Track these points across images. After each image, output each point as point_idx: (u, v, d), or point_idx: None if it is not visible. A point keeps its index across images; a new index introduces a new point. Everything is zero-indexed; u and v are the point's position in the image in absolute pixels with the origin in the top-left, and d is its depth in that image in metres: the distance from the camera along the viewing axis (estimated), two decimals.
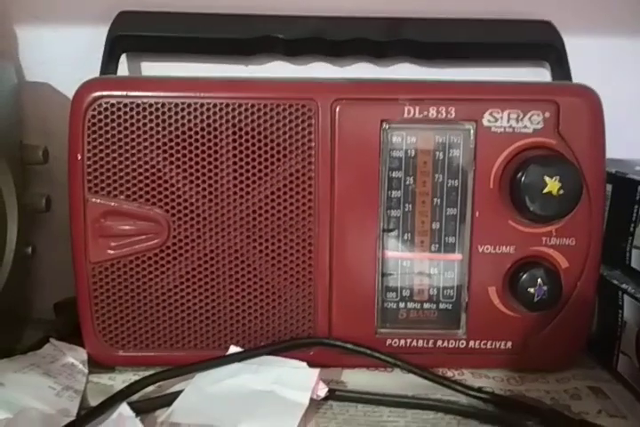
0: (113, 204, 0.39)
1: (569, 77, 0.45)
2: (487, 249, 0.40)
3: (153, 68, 0.49)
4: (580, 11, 0.49)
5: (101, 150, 0.39)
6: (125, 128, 0.39)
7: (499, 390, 0.39)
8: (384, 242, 0.40)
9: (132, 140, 0.39)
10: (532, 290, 0.38)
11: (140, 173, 0.39)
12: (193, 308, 0.40)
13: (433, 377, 0.38)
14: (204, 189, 0.39)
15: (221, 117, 0.39)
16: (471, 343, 0.41)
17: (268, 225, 0.40)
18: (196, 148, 0.39)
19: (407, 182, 0.40)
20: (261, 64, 0.49)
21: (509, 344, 0.41)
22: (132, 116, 0.39)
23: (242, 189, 0.39)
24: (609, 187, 0.42)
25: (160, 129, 0.39)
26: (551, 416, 0.35)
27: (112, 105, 0.39)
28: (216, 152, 0.39)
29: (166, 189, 0.39)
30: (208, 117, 0.39)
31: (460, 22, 0.46)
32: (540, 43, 0.46)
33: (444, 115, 0.39)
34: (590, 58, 0.48)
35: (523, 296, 0.39)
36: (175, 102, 0.39)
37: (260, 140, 0.39)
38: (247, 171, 0.39)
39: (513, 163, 0.39)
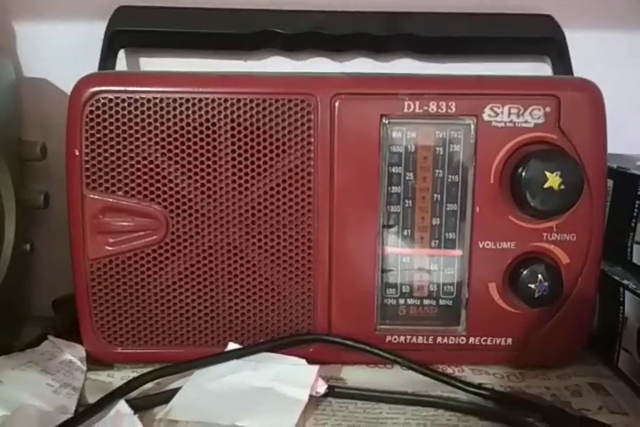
0: (111, 200, 0.39)
1: (570, 72, 0.45)
2: (487, 245, 0.39)
3: (151, 63, 0.49)
4: (582, 5, 0.49)
5: (99, 146, 0.38)
6: (123, 123, 0.38)
7: (499, 386, 0.39)
8: (384, 238, 0.40)
9: (130, 135, 0.38)
10: (532, 286, 0.38)
11: (139, 169, 0.39)
12: (191, 304, 0.40)
13: (433, 374, 0.38)
14: (203, 185, 0.39)
15: (220, 113, 0.38)
16: (471, 340, 0.40)
17: (267, 221, 0.39)
18: (195, 143, 0.39)
19: (407, 178, 0.40)
20: (260, 59, 0.49)
21: (510, 341, 0.40)
22: (129, 112, 0.38)
23: (241, 185, 0.39)
24: (610, 182, 0.42)
25: (158, 124, 0.38)
26: (551, 413, 0.35)
27: (110, 100, 0.38)
28: (215, 148, 0.39)
29: (164, 184, 0.39)
30: (206, 113, 0.38)
31: (461, 16, 0.46)
32: (541, 37, 0.46)
33: (445, 110, 0.39)
34: (592, 52, 0.48)
35: (523, 292, 0.38)
36: (173, 97, 0.38)
37: (258, 136, 0.39)
38: (246, 166, 0.39)
39: (514, 158, 0.38)
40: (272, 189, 0.39)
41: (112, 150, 0.38)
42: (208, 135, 0.38)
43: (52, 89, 0.48)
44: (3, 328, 0.43)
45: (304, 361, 0.38)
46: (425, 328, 0.41)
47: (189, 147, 0.39)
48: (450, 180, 0.40)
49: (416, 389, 0.38)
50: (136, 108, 0.38)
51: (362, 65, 0.48)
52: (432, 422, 0.35)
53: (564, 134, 0.39)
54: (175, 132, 0.38)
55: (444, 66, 0.49)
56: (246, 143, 0.39)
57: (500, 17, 0.46)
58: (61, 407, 0.35)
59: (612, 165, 0.42)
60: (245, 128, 0.38)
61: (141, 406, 0.35)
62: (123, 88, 0.38)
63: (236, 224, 0.39)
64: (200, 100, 0.38)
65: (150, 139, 0.38)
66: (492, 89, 0.39)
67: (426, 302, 0.41)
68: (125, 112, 0.38)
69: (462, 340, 0.41)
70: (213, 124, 0.38)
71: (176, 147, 0.39)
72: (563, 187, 0.37)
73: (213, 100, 0.38)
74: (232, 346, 0.40)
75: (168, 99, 0.38)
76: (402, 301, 0.41)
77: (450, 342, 0.41)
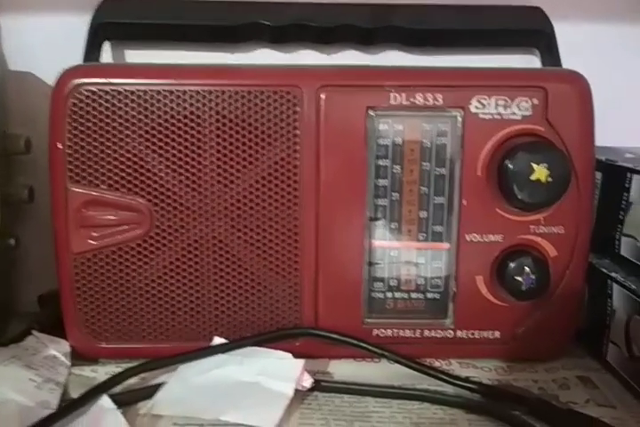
0: (94, 193, 0.38)
1: (559, 64, 0.45)
2: (475, 238, 0.39)
3: (137, 56, 0.48)
4: None
5: (82, 139, 0.38)
6: (107, 116, 0.38)
7: (486, 380, 0.39)
8: (371, 231, 0.40)
9: (114, 128, 0.38)
10: (519, 279, 0.38)
11: (122, 162, 0.38)
12: (177, 299, 0.40)
13: (420, 367, 0.38)
14: (187, 178, 0.39)
15: (204, 105, 0.38)
16: (459, 333, 0.40)
17: (253, 214, 0.39)
18: (179, 136, 0.38)
19: (394, 171, 0.39)
20: (247, 52, 0.48)
21: (497, 334, 0.40)
22: (113, 104, 0.38)
23: (226, 178, 0.39)
24: (599, 175, 0.42)
25: (142, 117, 0.38)
26: (538, 406, 0.35)
27: (93, 93, 0.38)
28: (199, 140, 0.38)
29: (149, 178, 0.38)
30: (191, 105, 0.38)
31: (449, 9, 0.46)
32: (529, 29, 0.46)
33: (431, 101, 0.38)
34: (581, 45, 0.47)
35: (510, 285, 0.38)
36: (157, 90, 0.38)
37: (243, 128, 0.38)
38: (231, 159, 0.38)
39: (501, 150, 0.38)
40: (257, 182, 0.39)
41: (95, 143, 0.38)
42: (192, 128, 0.38)
43: (37, 82, 0.48)
44: None
45: (290, 355, 0.38)
46: (412, 322, 0.41)
47: (173, 139, 0.38)
48: (437, 172, 0.39)
49: (403, 382, 0.38)
50: (119, 101, 0.38)
51: (349, 57, 0.48)
52: (418, 415, 0.35)
53: (552, 126, 0.38)
54: (159, 124, 0.38)
55: (432, 58, 0.48)
56: (231, 136, 0.38)
57: (489, 9, 0.46)
58: (44, 402, 0.34)
59: (600, 157, 0.42)
60: (230, 120, 0.38)
61: (125, 401, 0.35)
62: (106, 80, 0.38)
63: (222, 218, 0.39)
64: (184, 93, 0.38)
65: (134, 131, 0.38)
66: (478, 81, 0.39)
67: (413, 295, 0.41)
68: (109, 104, 0.38)
69: (450, 333, 0.40)
70: (198, 117, 0.38)
71: (160, 139, 0.38)
72: (550, 179, 0.37)
73: (197, 93, 0.38)
74: (218, 340, 0.39)
75: (152, 91, 0.38)
76: (389, 294, 0.41)
77: (437, 336, 0.40)
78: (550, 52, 0.45)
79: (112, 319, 0.40)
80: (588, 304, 0.42)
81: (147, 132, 0.38)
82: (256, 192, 0.39)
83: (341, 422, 0.34)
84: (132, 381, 0.37)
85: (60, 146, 0.38)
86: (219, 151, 0.38)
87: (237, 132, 0.38)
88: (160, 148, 0.38)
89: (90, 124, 0.38)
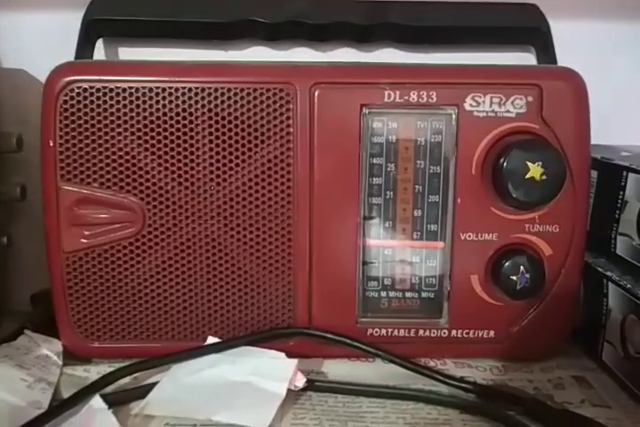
0: (86, 191, 0.38)
1: (554, 62, 0.44)
2: (469, 237, 0.39)
3: (131, 53, 0.48)
4: None
5: (74, 136, 0.38)
6: (98, 113, 0.38)
7: (481, 379, 0.38)
8: (365, 230, 0.40)
9: (106, 125, 0.38)
10: (514, 278, 0.38)
11: (114, 160, 0.38)
12: (169, 298, 0.39)
13: (414, 367, 0.38)
14: (180, 177, 0.38)
15: (197, 102, 0.38)
16: (453, 332, 0.40)
17: (246, 213, 0.39)
18: (172, 133, 0.38)
19: (388, 169, 0.39)
20: (241, 49, 0.48)
21: (492, 333, 0.40)
22: (105, 102, 0.38)
23: (218, 176, 0.38)
24: (594, 173, 0.42)
25: (134, 114, 0.38)
26: (533, 406, 0.35)
27: (85, 90, 0.37)
28: (192, 138, 0.38)
29: (141, 176, 0.38)
30: (183, 102, 0.38)
31: (445, 6, 0.45)
32: (525, 27, 0.45)
33: (426, 99, 0.38)
34: (576, 42, 0.47)
35: (505, 284, 0.38)
36: (150, 87, 0.38)
37: (236, 126, 0.38)
38: (224, 157, 0.38)
39: (495, 148, 0.38)
40: (251, 180, 0.38)
41: (87, 141, 0.38)
42: (185, 125, 0.38)
43: (29, 80, 0.47)
44: None
45: (283, 355, 0.38)
46: (407, 321, 0.40)
47: (166, 137, 0.38)
48: (431, 171, 0.39)
49: (397, 382, 0.38)
50: (111, 98, 0.38)
51: (345, 55, 0.48)
52: (412, 415, 0.35)
53: (547, 124, 0.38)
54: (151, 122, 0.38)
55: (428, 56, 0.48)
56: (224, 133, 0.38)
57: (485, 6, 0.46)
58: (35, 402, 0.34)
59: (596, 155, 0.42)
60: (223, 118, 0.38)
61: (117, 401, 0.35)
62: (97, 77, 0.38)
63: (215, 216, 0.39)
64: (177, 90, 0.38)
65: (126, 129, 0.38)
66: (473, 78, 0.38)
67: (408, 294, 0.40)
68: (100, 102, 0.38)
69: (444, 333, 0.40)
70: (190, 114, 0.38)
71: (152, 137, 0.38)
72: (544, 177, 0.36)
73: (190, 90, 0.38)
74: (211, 340, 0.39)
75: (144, 88, 0.38)
76: (383, 293, 0.40)
77: (432, 335, 0.40)
78: (546, 49, 0.45)
79: (104, 319, 0.39)
80: (584, 303, 0.42)
81: (139, 129, 0.38)
82: (249, 190, 0.38)
83: (335, 422, 0.34)
84: (125, 380, 0.37)
85: (51, 144, 0.38)
86: (211, 149, 0.38)
87: (230, 130, 0.38)
88: (152, 146, 0.38)
89: (81, 122, 0.38)
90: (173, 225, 0.39)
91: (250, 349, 0.39)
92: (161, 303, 0.39)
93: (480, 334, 0.40)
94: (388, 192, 0.39)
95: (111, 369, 0.38)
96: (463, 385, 0.36)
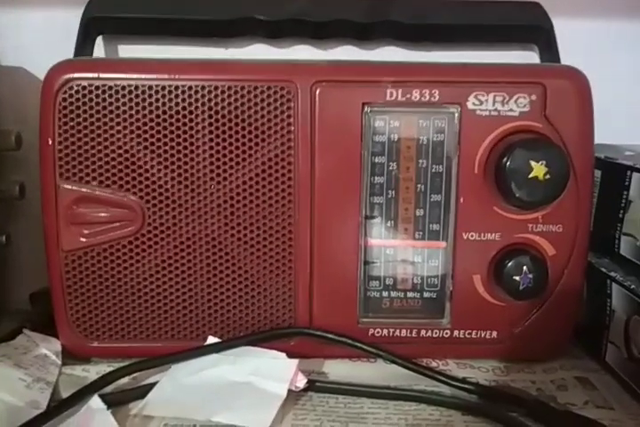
0: (85, 190, 0.38)
1: (558, 60, 0.44)
2: (472, 236, 0.39)
3: (130, 51, 0.48)
4: None
5: (73, 135, 0.37)
6: (98, 111, 0.37)
7: (483, 380, 0.38)
8: (366, 229, 0.39)
9: (105, 123, 0.37)
10: (517, 278, 0.37)
11: (114, 159, 0.38)
12: (169, 297, 0.39)
13: (416, 368, 0.37)
14: (180, 175, 0.38)
15: (197, 100, 0.37)
16: (456, 333, 0.40)
17: (247, 212, 0.38)
18: (171, 132, 0.38)
19: (390, 168, 0.39)
20: (242, 47, 0.47)
21: (495, 334, 0.40)
22: (104, 99, 0.37)
23: (219, 175, 0.38)
24: (598, 173, 0.41)
25: (134, 112, 0.37)
26: (536, 407, 0.34)
27: (84, 87, 0.37)
28: (192, 136, 0.38)
29: (140, 174, 0.38)
30: (183, 100, 0.37)
31: (447, 3, 0.45)
32: (528, 25, 0.45)
33: (428, 98, 0.38)
34: (580, 41, 0.47)
35: (508, 284, 0.38)
36: (149, 85, 0.37)
37: (237, 124, 0.38)
38: (224, 156, 0.38)
39: (498, 147, 0.38)
40: (251, 178, 0.38)
41: (86, 139, 0.37)
42: (185, 123, 0.37)
43: (28, 77, 0.47)
44: None
45: (284, 355, 0.37)
46: (409, 321, 0.40)
47: (166, 135, 0.38)
48: (434, 170, 0.39)
49: (399, 383, 0.37)
50: (110, 96, 0.37)
51: (345, 53, 0.47)
52: (414, 416, 0.34)
53: (550, 123, 0.38)
54: (151, 120, 0.37)
55: (429, 54, 0.48)
56: (224, 132, 0.38)
57: (487, 4, 0.45)
58: (33, 402, 0.34)
59: (599, 154, 0.41)
60: (223, 116, 0.37)
61: (116, 402, 0.35)
62: (97, 75, 0.37)
63: (215, 215, 0.38)
64: (177, 88, 0.37)
65: (125, 127, 0.37)
66: (476, 77, 0.38)
67: (410, 294, 0.40)
68: (100, 100, 0.37)
69: (446, 333, 0.40)
70: (190, 113, 0.37)
71: (152, 135, 0.37)
72: (548, 177, 0.36)
73: (190, 88, 0.37)
74: (211, 340, 0.39)
75: (144, 86, 0.37)
76: (385, 293, 0.40)
77: (434, 336, 0.40)
78: (549, 48, 0.45)
79: (104, 318, 0.39)
80: (587, 304, 0.42)
81: (138, 127, 0.37)
82: (250, 189, 0.38)
83: (336, 423, 0.34)
84: (124, 380, 0.37)
85: (50, 142, 0.37)
86: (212, 148, 0.38)
87: (231, 129, 0.38)
88: (152, 144, 0.38)
89: (80, 120, 0.37)
90: (173, 224, 0.38)
91: (250, 349, 0.38)
92: (160, 303, 0.39)
93: (482, 335, 0.40)
94: (389, 191, 0.39)
95: (110, 369, 0.37)
96: (465, 386, 0.36)
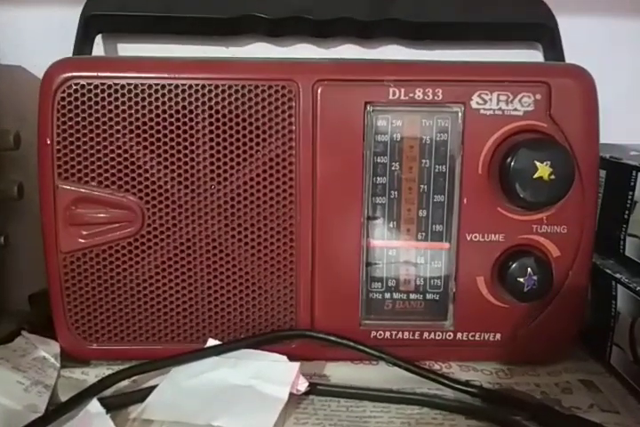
0: (84, 190, 0.37)
1: (562, 59, 0.43)
2: (475, 237, 0.38)
3: (130, 49, 0.47)
4: None
5: (72, 134, 0.37)
6: (97, 111, 0.37)
7: (487, 383, 0.38)
8: (369, 230, 0.39)
9: (104, 123, 0.37)
10: (521, 280, 0.37)
11: (113, 159, 0.37)
12: (169, 299, 0.39)
13: (418, 370, 0.37)
14: (180, 175, 0.37)
15: (197, 100, 0.37)
16: (459, 335, 0.39)
17: (248, 213, 0.38)
18: (171, 131, 0.37)
19: (393, 168, 0.38)
20: (243, 45, 0.47)
21: (498, 336, 0.39)
22: (103, 98, 0.37)
23: (219, 175, 0.37)
24: (603, 173, 0.41)
25: (133, 112, 0.37)
26: (541, 411, 0.34)
27: (82, 86, 0.37)
28: (192, 136, 0.37)
29: (140, 174, 0.37)
30: (183, 100, 0.37)
31: (450, 1, 0.44)
32: (532, 23, 0.44)
33: (431, 97, 0.37)
34: (584, 39, 0.46)
35: (512, 286, 0.37)
36: (149, 84, 0.37)
37: (238, 124, 0.37)
38: (225, 156, 0.37)
39: (502, 147, 0.37)
40: (252, 179, 0.38)
41: (85, 139, 0.37)
42: (185, 123, 0.37)
43: (26, 76, 0.47)
44: None
45: (285, 358, 0.37)
46: (411, 323, 0.39)
47: (166, 135, 0.37)
48: (437, 170, 0.38)
49: (402, 386, 0.37)
50: (110, 95, 0.37)
51: (348, 51, 0.47)
52: (417, 420, 0.34)
53: (555, 123, 0.37)
54: (151, 119, 0.37)
55: (432, 53, 0.47)
56: (225, 131, 0.37)
57: (491, 2, 0.45)
58: (31, 406, 0.34)
59: (604, 154, 0.41)
60: (224, 116, 0.37)
61: (115, 405, 0.34)
62: (96, 74, 0.37)
63: (215, 216, 0.38)
64: (176, 87, 0.37)
65: (125, 127, 0.37)
66: (480, 75, 0.38)
67: (412, 296, 0.40)
68: (99, 99, 0.37)
69: (449, 335, 0.39)
70: (190, 112, 0.37)
71: (152, 135, 0.37)
72: (553, 177, 0.36)
73: (190, 87, 0.37)
74: (211, 342, 0.38)
75: (143, 85, 0.37)
76: (387, 295, 0.40)
77: (437, 338, 0.39)
78: (553, 46, 0.44)
79: (103, 320, 0.39)
80: (592, 306, 0.41)
81: (138, 127, 0.37)
82: (251, 190, 0.38)
83: None
84: (123, 384, 0.36)
85: (48, 142, 0.37)
86: (212, 147, 0.37)
87: (231, 128, 0.37)
88: (152, 144, 0.37)
89: (79, 120, 0.37)
90: (173, 225, 0.38)
91: (251, 351, 0.38)
92: (160, 305, 0.39)
93: (486, 337, 0.39)
94: (392, 192, 0.38)
95: (110, 372, 0.37)
96: (469, 389, 0.35)
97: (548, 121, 0.37)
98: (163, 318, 0.39)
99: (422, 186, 0.38)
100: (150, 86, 0.37)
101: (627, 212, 0.39)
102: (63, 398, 0.35)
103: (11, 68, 0.47)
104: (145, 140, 0.37)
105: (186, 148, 0.37)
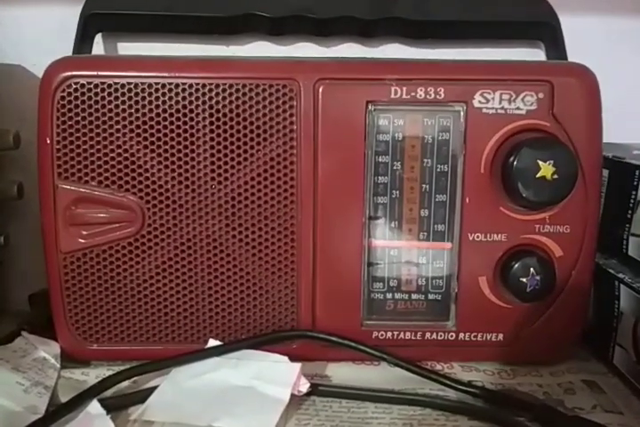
0: (84, 190, 0.37)
1: (565, 58, 0.43)
2: (478, 237, 0.38)
3: (130, 48, 0.47)
4: None
5: (71, 134, 0.37)
6: (97, 110, 0.37)
7: (489, 384, 0.37)
8: (370, 230, 0.39)
9: (104, 122, 0.37)
10: (524, 280, 0.37)
11: (113, 158, 0.37)
12: (170, 299, 0.38)
13: (420, 371, 0.37)
14: (180, 175, 0.37)
15: (198, 99, 0.37)
16: (461, 335, 0.39)
17: (248, 213, 0.38)
18: (172, 131, 0.37)
19: (394, 167, 0.38)
20: (243, 44, 0.47)
21: (501, 336, 0.39)
22: (103, 98, 0.37)
23: (220, 175, 0.37)
24: (605, 172, 0.41)
25: (133, 111, 0.37)
26: (543, 412, 0.34)
27: (82, 86, 0.36)
28: (192, 135, 0.37)
29: (140, 174, 0.37)
30: (184, 99, 0.37)
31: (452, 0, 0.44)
32: (534, 21, 0.44)
33: (433, 96, 0.37)
34: (587, 38, 0.46)
35: (515, 286, 0.37)
36: (149, 83, 0.37)
37: (238, 123, 0.37)
38: (225, 155, 0.37)
39: (505, 146, 0.37)
40: (253, 178, 0.37)
41: (85, 138, 0.37)
42: (185, 122, 0.37)
43: (26, 75, 0.46)
44: None
45: (286, 358, 0.37)
46: (413, 324, 0.39)
47: (166, 135, 0.37)
48: (439, 169, 0.38)
49: (403, 387, 0.37)
50: (110, 94, 0.37)
51: (349, 50, 0.47)
52: (419, 421, 0.34)
53: (558, 122, 0.37)
54: (151, 119, 0.37)
55: (434, 51, 0.47)
56: (226, 131, 0.37)
57: (492, 0, 0.45)
58: (31, 407, 0.33)
59: (607, 154, 0.40)
60: (225, 115, 0.37)
61: (116, 406, 0.34)
62: (95, 73, 0.36)
63: (216, 216, 0.38)
64: (177, 86, 0.37)
65: (125, 126, 0.37)
66: (482, 74, 0.37)
67: (414, 296, 0.39)
68: (99, 98, 0.37)
69: (452, 335, 0.39)
70: (191, 111, 0.37)
71: (152, 135, 0.37)
72: (556, 176, 0.35)
73: (191, 86, 0.37)
74: (212, 343, 0.38)
75: (143, 84, 0.36)
76: (389, 295, 0.39)
77: (439, 338, 0.39)
78: (556, 44, 0.44)
79: (103, 320, 0.39)
80: (594, 306, 0.41)
81: (138, 126, 0.37)
82: (251, 189, 0.37)
83: None
84: (124, 384, 0.36)
85: (48, 141, 0.37)
86: (213, 147, 0.37)
87: (232, 128, 0.37)
88: (152, 143, 0.37)
89: (79, 119, 0.37)
90: (173, 225, 0.38)
91: (252, 352, 0.38)
92: (161, 305, 0.38)
93: (488, 337, 0.39)
94: (393, 191, 0.38)
95: (110, 372, 0.37)
96: (471, 390, 0.35)
97: (550, 120, 0.37)
98: (163, 319, 0.39)
99: (424, 185, 0.38)
100: (150, 85, 0.36)
101: (629, 211, 0.39)
102: (63, 399, 0.35)
103: (10, 68, 0.47)
104: (145, 139, 0.37)
105: (186, 147, 0.37)
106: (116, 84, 0.36)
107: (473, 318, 0.39)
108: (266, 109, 0.37)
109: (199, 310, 0.39)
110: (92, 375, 0.38)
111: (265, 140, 0.37)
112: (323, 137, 0.37)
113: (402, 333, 0.39)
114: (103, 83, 0.36)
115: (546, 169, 0.35)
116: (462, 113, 0.37)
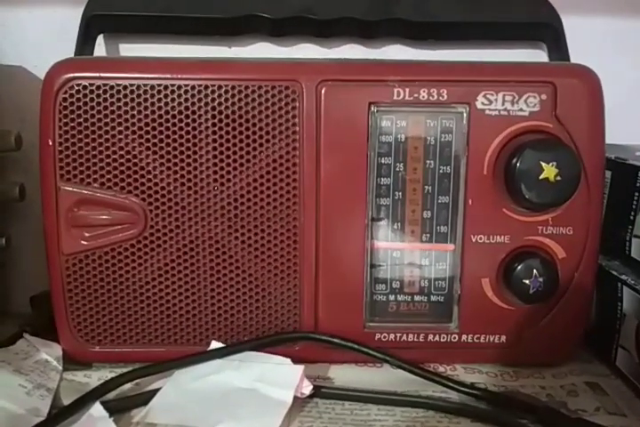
0: (86, 192, 0.37)
1: (567, 59, 0.43)
2: (480, 239, 0.38)
3: (132, 49, 0.47)
4: None
5: (74, 135, 0.37)
6: (99, 111, 0.37)
7: (492, 386, 0.37)
8: (373, 232, 0.38)
9: (107, 124, 0.37)
10: (527, 281, 0.37)
11: (115, 160, 0.37)
12: (172, 301, 0.38)
13: (423, 373, 0.37)
14: (183, 177, 0.37)
15: (200, 100, 0.37)
16: (464, 337, 0.39)
17: (251, 214, 0.38)
18: (174, 132, 0.37)
19: (397, 169, 0.38)
20: (245, 45, 0.47)
21: (503, 338, 0.39)
22: (105, 99, 0.37)
23: (222, 177, 0.37)
24: (608, 173, 0.41)
25: (136, 113, 0.37)
26: (546, 414, 0.34)
27: (84, 87, 0.36)
28: (195, 137, 0.37)
29: (143, 176, 0.37)
30: (186, 100, 0.37)
31: (453, 0, 0.44)
32: (536, 22, 0.44)
33: (436, 97, 0.37)
34: (589, 39, 0.46)
35: (518, 288, 0.37)
36: (151, 84, 0.37)
37: (241, 125, 0.37)
38: (228, 157, 0.37)
39: (508, 148, 0.37)
40: (255, 180, 0.37)
41: (87, 140, 0.37)
42: (188, 124, 0.37)
43: (28, 76, 0.46)
44: None
45: (289, 360, 0.37)
46: (416, 325, 0.39)
47: (168, 136, 0.37)
48: (441, 171, 0.38)
49: (406, 389, 0.37)
50: (112, 96, 0.36)
51: (351, 51, 0.47)
52: (422, 423, 0.34)
53: (561, 123, 0.37)
54: (153, 120, 0.37)
55: (436, 53, 0.47)
56: (228, 132, 0.37)
57: (495, 1, 0.45)
58: (34, 410, 0.33)
59: (609, 155, 0.40)
60: (227, 116, 0.37)
61: (118, 409, 0.34)
62: (98, 74, 0.36)
63: (218, 217, 0.38)
64: (179, 87, 0.37)
65: (127, 128, 0.37)
66: (485, 76, 0.37)
67: (417, 298, 0.39)
68: (101, 99, 0.36)
69: (454, 337, 0.39)
70: (193, 113, 0.37)
71: (154, 136, 0.37)
72: (559, 178, 0.35)
73: (193, 87, 0.37)
74: (215, 345, 0.38)
75: (145, 85, 0.36)
76: (392, 297, 0.39)
77: (441, 340, 0.39)
78: (558, 46, 0.44)
79: (105, 322, 0.38)
80: (597, 307, 0.41)
81: (140, 128, 0.37)
82: (254, 191, 0.37)
83: None
84: (126, 387, 0.36)
85: (50, 143, 0.37)
86: (215, 148, 0.37)
87: (234, 129, 0.37)
88: (154, 145, 0.37)
89: (81, 120, 0.37)
90: (176, 227, 0.38)
91: (254, 354, 0.38)
92: (163, 307, 0.38)
93: (491, 339, 0.39)
94: (396, 193, 0.38)
95: (112, 375, 0.37)
96: (474, 392, 0.35)
97: (553, 121, 0.37)
98: (166, 321, 0.38)
99: (427, 187, 0.38)
100: (153, 87, 0.36)
101: (632, 213, 0.39)
102: (66, 401, 0.35)
103: (12, 69, 0.47)
104: (147, 141, 0.37)
105: (189, 149, 0.37)
106: (118, 85, 0.36)
107: (476, 320, 0.39)
108: (268, 111, 0.37)
109: (202, 311, 0.38)
110: (95, 378, 0.38)
111: (267, 141, 0.37)
112: (325, 138, 0.37)
113: (404, 334, 0.39)
114: (105, 84, 0.36)
115: (549, 171, 0.35)
116: (465, 114, 0.37)
